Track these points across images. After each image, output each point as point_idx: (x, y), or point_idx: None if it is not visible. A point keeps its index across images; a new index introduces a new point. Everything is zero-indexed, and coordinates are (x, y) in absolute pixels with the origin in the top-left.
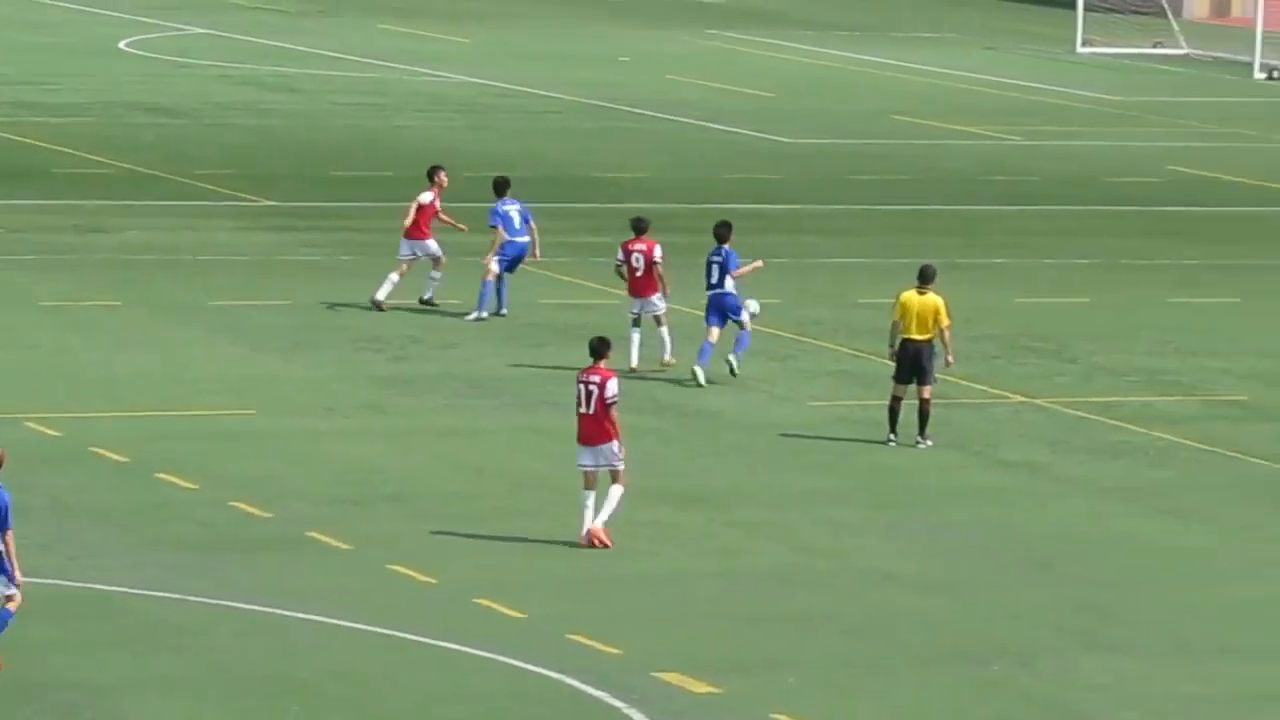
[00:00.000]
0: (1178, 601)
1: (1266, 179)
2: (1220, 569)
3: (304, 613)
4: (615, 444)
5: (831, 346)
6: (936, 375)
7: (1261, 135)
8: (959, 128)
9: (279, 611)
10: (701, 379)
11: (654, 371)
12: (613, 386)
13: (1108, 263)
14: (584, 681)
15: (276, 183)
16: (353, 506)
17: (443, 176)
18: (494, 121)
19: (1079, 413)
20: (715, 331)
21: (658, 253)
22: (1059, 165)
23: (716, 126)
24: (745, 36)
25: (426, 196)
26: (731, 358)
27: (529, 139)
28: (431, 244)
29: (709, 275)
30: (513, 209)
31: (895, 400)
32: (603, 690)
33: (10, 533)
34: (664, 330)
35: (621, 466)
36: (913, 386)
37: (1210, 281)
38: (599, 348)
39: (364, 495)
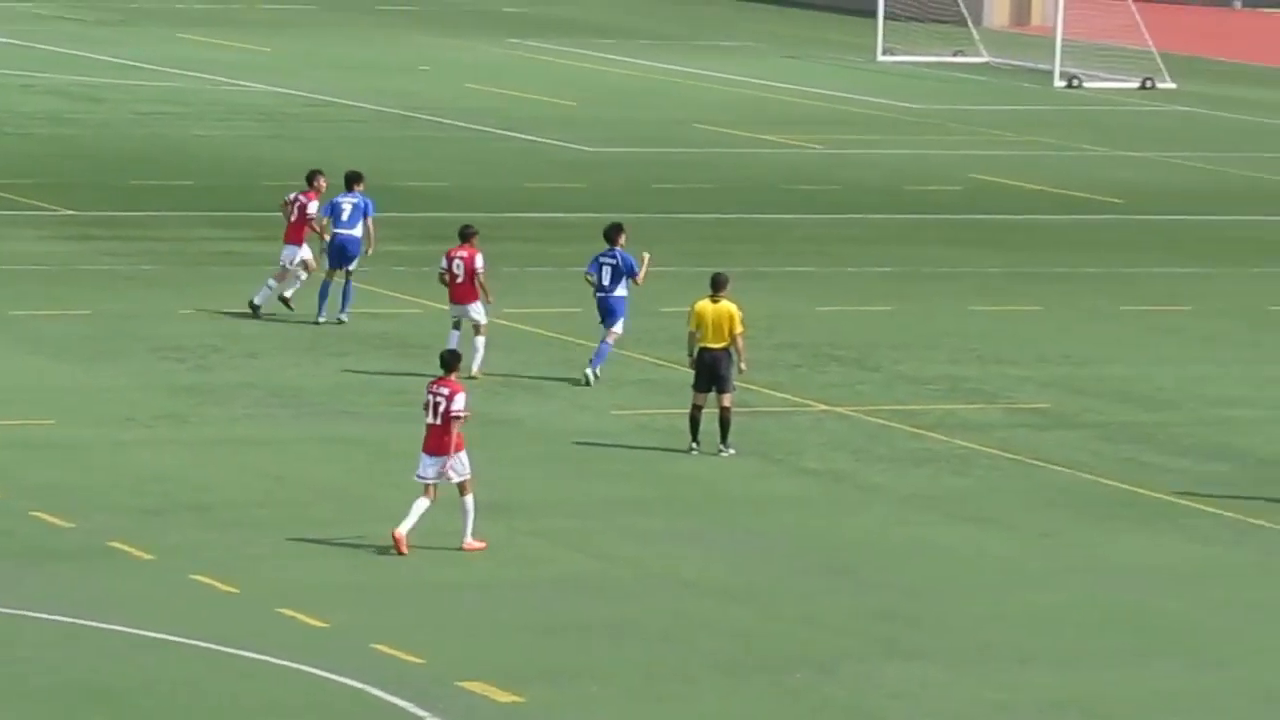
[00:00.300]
0: (979, 609)
1: (1067, 187)
2: (1021, 576)
3: (106, 623)
4: (463, 455)
5: (634, 355)
6: (736, 383)
7: (1061, 143)
8: (761, 136)
9: (81, 622)
10: (591, 380)
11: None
12: (460, 400)
13: (910, 271)
14: (388, 691)
15: (77, 192)
16: (154, 516)
17: (321, 181)
18: (295, 130)
19: (881, 421)
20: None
21: (479, 261)
22: (861, 173)
23: (518, 135)
24: (547, 45)
25: (313, 206)
26: (589, 370)
27: (330, 148)
28: (305, 249)
29: (600, 277)
30: (348, 202)
31: (695, 409)
32: (406, 700)
33: None
34: (480, 340)
35: (468, 476)
36: (714, 395)
37: (1012, 289)
38: (450, 360)
39: (165, 505)
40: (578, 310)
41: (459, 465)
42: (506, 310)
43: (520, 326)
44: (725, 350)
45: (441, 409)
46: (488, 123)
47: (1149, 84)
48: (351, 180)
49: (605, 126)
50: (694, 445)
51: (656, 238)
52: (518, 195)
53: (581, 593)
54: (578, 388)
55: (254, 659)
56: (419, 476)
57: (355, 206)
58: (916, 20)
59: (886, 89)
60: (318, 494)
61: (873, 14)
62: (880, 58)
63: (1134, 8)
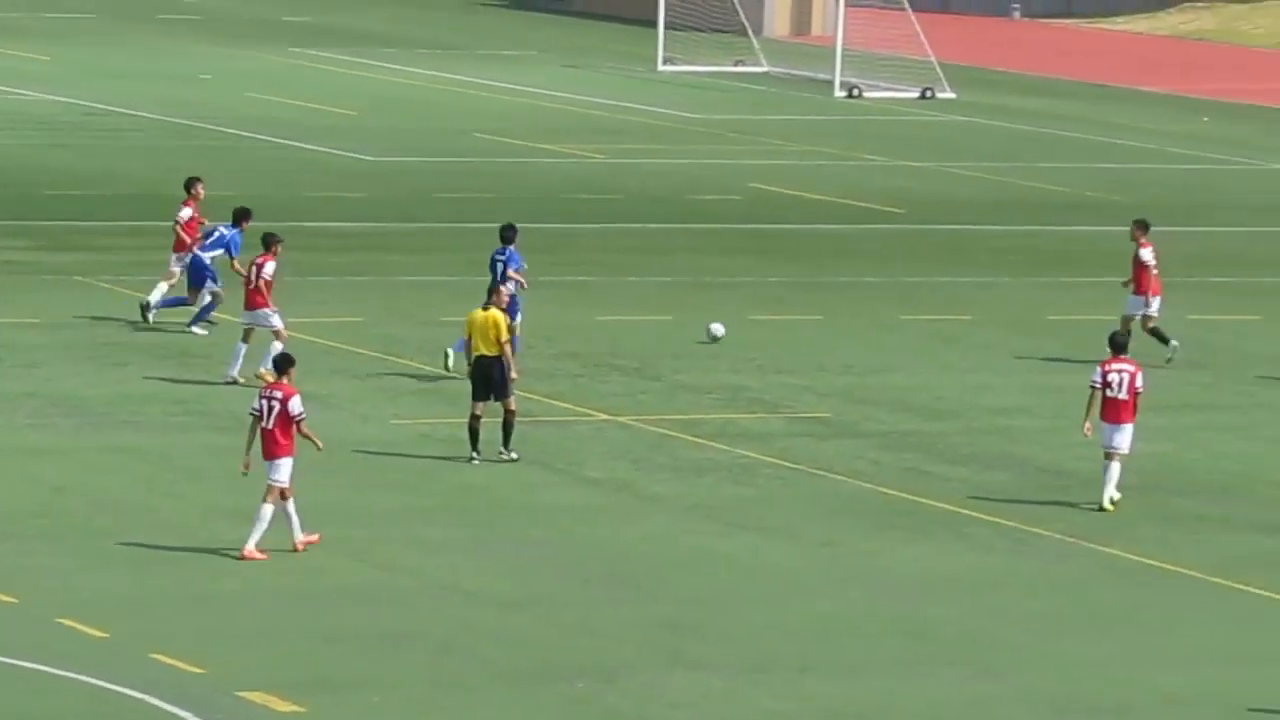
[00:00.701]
0: (760, 618)
1: (848, 196)
2: (802, 585)
3: None
4: (288, 460)
5: (415, 364)
6: (515, 390)
7: (842, 153)
8: (543, 145)
9: None
10: (449, 363)
11: (247, 383)
12: (296, 404)
13: (692, 280)
14: (168, 701)
15: None
16: None
17: (199, 189)
18: (75, 139)
19: (662, 430)
20: None
21: (269, 268)
22: (643, 183)
23: (299, 144)
24: (328, 55)
25: (185, 213)
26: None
27: (110, 157)
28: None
29: (494, 273)
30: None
31: (474, 418)
32: (186, 710)
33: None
34: (276, 345)
35: (284, 484)
36: (498, 402)
37: (792, 299)
38: (282, 364)
39: None
40: (359, 320)
41: (283, 471)
42: (287, 319)
43: (300, 336)
44: (497, 358)
45: (275, 412)
46: (269, 132)
47: (929, 94)
48: (240, 216)
49: (386, 136)
50: (474, 455)
51: (438, 246)
52: (298, 204)
53: (363, 602)
54: (358, 397)
55: (33, 669)
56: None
57: (221, 238)
58: (697, 30)
59: (667, 98)
60: (98, 504)
61: (653, 24)
62: (661, 67)
63: (914, 18)
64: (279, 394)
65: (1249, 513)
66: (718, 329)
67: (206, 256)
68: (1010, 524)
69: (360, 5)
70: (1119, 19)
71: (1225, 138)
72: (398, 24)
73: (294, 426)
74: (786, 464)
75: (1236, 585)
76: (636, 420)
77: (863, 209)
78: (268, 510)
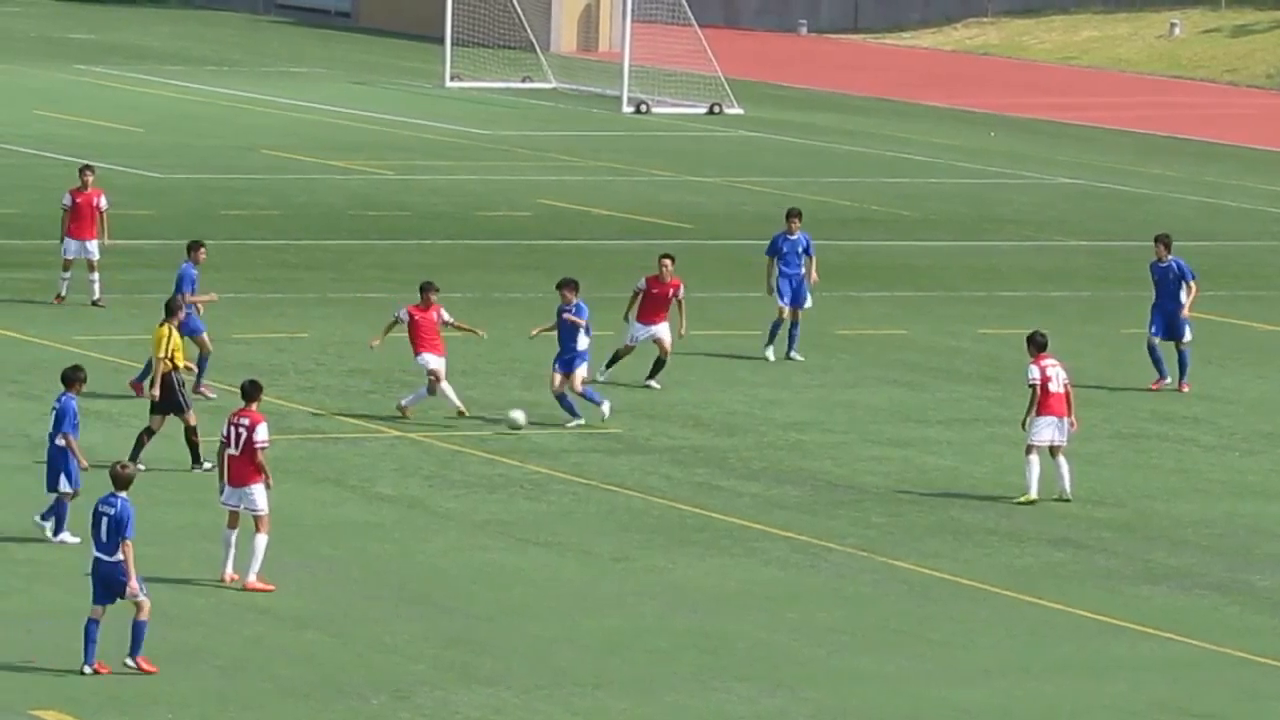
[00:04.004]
0: (553, 633)
1: (636, 212)
2: (595, 600)
3: None
4: (260, 487)
5: (203, 381)
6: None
7: (630, 168)
8: (330, 162)
9: None
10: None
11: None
12: (262, 431)
13: (481, 296)
14: None
15: None
16: None
17: (88, 176)
18: None
19: (454, 446)
20: None
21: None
22: (430, 199)
23: (84, 161)
24: (113, 72)
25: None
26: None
27: None
28: (92, 244)
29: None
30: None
31: (150, 432)
32: None
33: (130, 543)
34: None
35: (265, 512)
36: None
37: None
38: (250, 390)
39: None
40: (147, 337)
41: (258, 499)
42: (76, 337)
43: (90, 354)
44: (174, 372)
45: (243, 439)
46: (54, 149)
47: (716, 109)
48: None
49: (172, 152)
50: (204, 465)
51: (224, 263)
52: None
53: (154, 619)
54: (139, 415)
55: None
56: (223, 503)
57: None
58: (484, 46)
59: (455, 114)
60: None
61: (441, 40)
62: (448, 83)
63: (701, 33)
64: (246, 421)
65: (1038, 525)
66: (518, 417)
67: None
68: (802, 538)
69: (145, 22)
70: (905, 34)
71: (1011, 152)
72: (183, 41)
73: (257, 454)
74: (579, 479)
75: (1026, 598)
76: (428, 436)
77: (651, 224)
78: (261, 540)
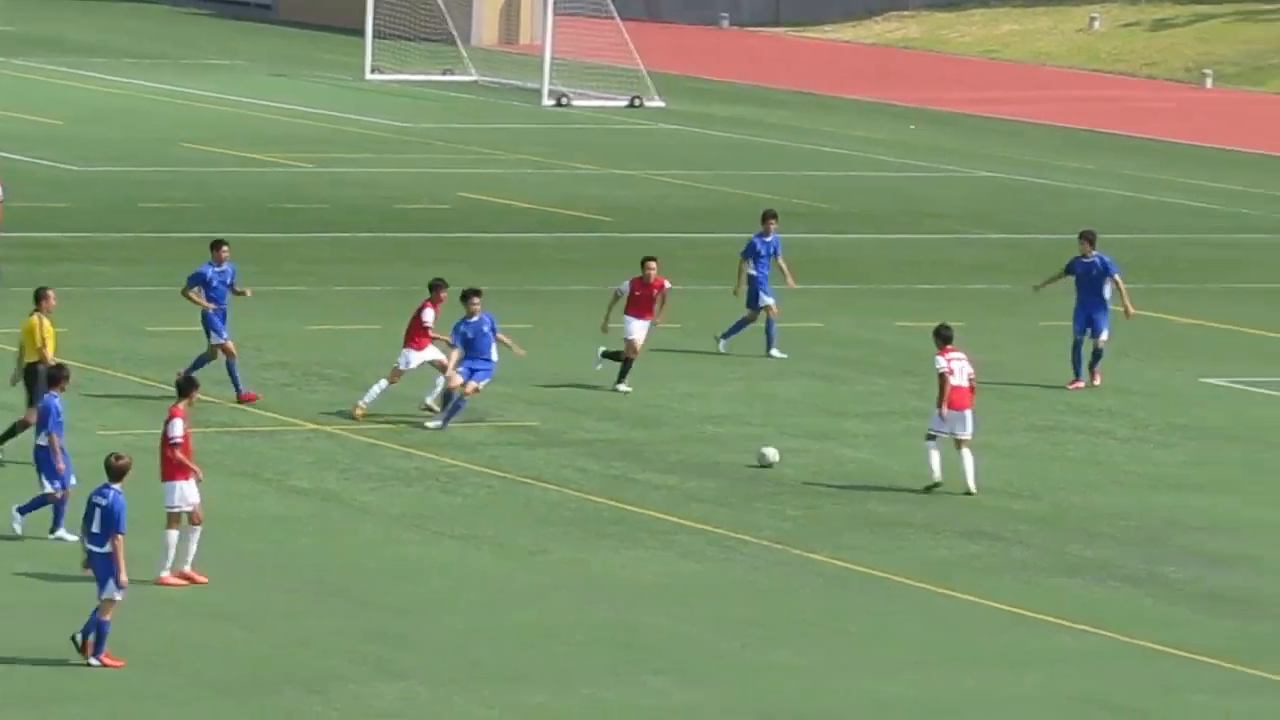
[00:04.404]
0: (469, 627)
1: (557, 205)
2: (510, 593)
3: None
4: (178, 484)
5: (120, 375)
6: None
7: (551, 161)
8: (251, 155)
9: None
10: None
11: None
12: (173, 427)
13: (400, 290)
14: None
15: None
16: None
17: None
18: None
19: (370, 440)
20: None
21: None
22: (351, 192)
23: (5, 155)
24: (34, 64)
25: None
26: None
27: None
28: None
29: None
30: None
31: (23, 424)
32: None
33: (121, 536)
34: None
35: (179, 508)
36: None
37: (502, 308)
38: (182, 386)
39: None
40: (64, 330)
41: (186, 494)
42: None
43: (3, 347)
44: (36, 364)
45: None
46: None
47: (637, 102)
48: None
49: (92, 145)
50: None
51: (146, 257)
52: (5, 215)
53: (66, 614)
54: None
55: None
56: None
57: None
58: (405, 39)
59: (376, 107)
60: None
61: (361, 32)
62: (369, 76)
63: (622, 26)
64: (166, 416)
65: (954, 518)
66: (771, 455)
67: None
68: (718, 531)
69: (65, 15)
70: (826, 27)
71: (931, 145)
72: (103, 33)
73: (169, 449)
74: (495, 473)
75: (942, 590)
76: (344, 430)
77: (572, 218)
78: (195, 532)
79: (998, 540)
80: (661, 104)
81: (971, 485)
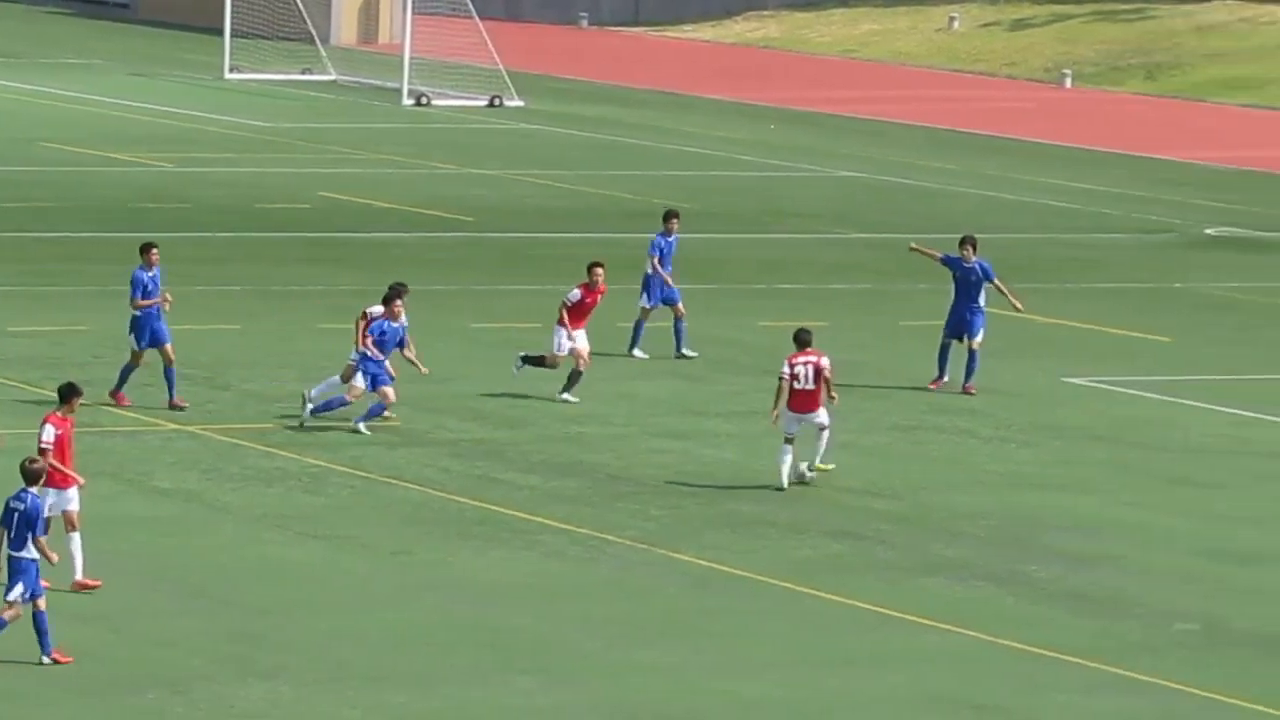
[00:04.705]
0: (332, 627)
1: (417, 204)
2: (374, 594)
3: None
4: (68, 491)
5: None
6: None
7: (412, 161)
8: (110, 154)
9: None
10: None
11: None
12: (43, 432)
13: (260, 289)
14: None
15: None
16: None
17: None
18: None
19: (233, 440)
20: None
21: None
22: (211, 192)
23: None
24: None
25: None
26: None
27: None
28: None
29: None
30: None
31: None
32: None
33: (42, 539)
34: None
35: (56, 513)
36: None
37: (348, 307)
38: (63, 393)
39: None
40: None
41: (59, 501)
42: None
43: None
44: None
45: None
46: None
47: (497, 101)
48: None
49: None
50: None
51: (5, 256)
52: None
53: None
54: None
55: None
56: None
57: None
58: (264, 38)
59: (235, 107)
60: None
61: (220, 32)
62: (228, 75)
63: (481, 26)
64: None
65: (817, 517)
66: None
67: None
68: (582, 531)
69: None
70: (686, 26)
71: (792, 145)
72: None
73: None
74: (358, 472)
75: (806, 589)
76: (206, 430)
77: (432, 217)
78: (75, 538)
79: (861, 540)
80: (521, 103)
81: (819, 461)
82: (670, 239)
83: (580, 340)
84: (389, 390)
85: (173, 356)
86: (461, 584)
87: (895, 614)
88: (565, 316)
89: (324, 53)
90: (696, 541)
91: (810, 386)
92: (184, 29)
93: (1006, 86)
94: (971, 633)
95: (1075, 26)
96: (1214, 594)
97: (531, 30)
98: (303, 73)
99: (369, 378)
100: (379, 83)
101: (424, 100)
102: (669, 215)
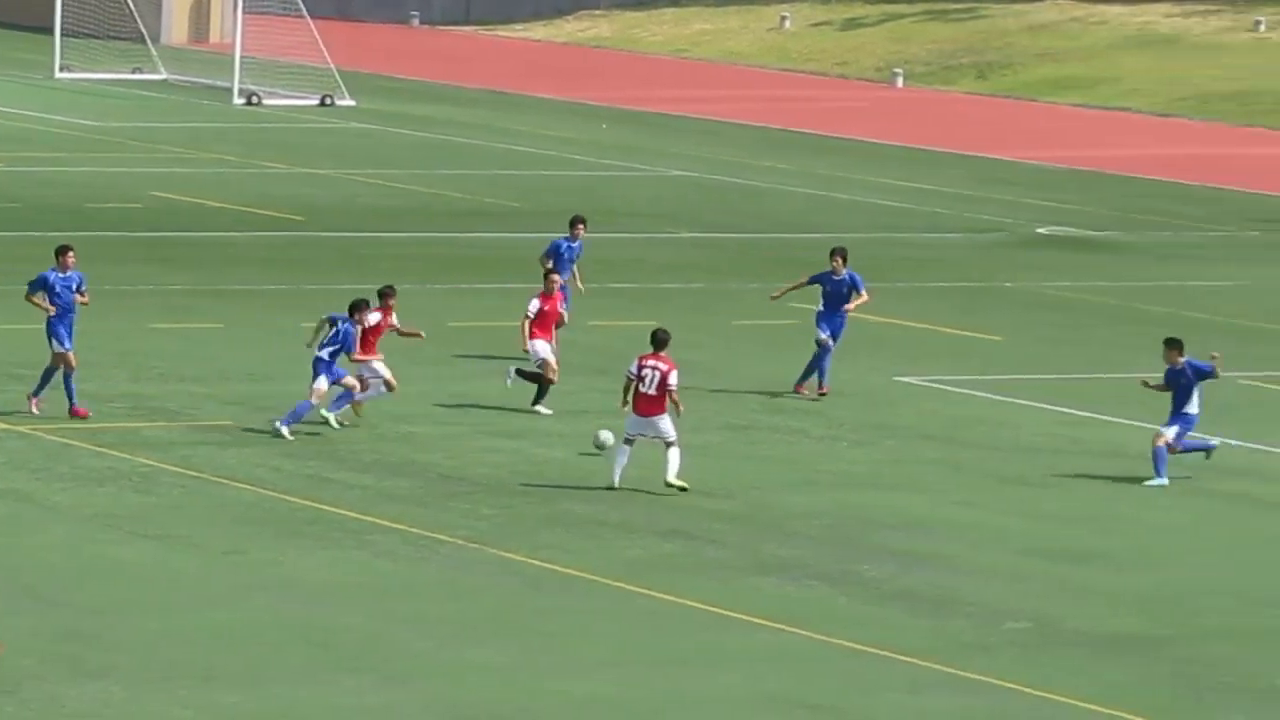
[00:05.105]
0: (163, 626)
1: (249, 204)
2: (205, 594)
3: None
4: None
5: None
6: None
7: (243, 160)
8: None
9: None
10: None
11: None
12: None
13: (92, 289)
14: None
15: None
16: None
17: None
18: None
19: (63, 439)
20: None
21: None
22: (42, 191)
23: None
24: None
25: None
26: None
27: None
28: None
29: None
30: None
31: None
32: None
33: None
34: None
35: None
36: None
37: (194, 307)
38: None
39: None
40: None
41: None
42: None
43: None
44: None
45: None
46: None
47: (328, 101)
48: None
49: None
50: None
51: None
52: None
53: None
54: None
55: None
56: None
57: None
58: (95, 37)
59: (66, 106)
60: None
61: (50, 30)
62: (58, 75)
63: (313, 25)
64: None
65: (649, 517)
66: (606, 437)
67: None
68: (414, 530)
69: None
70: (518, 26)
71: (623, 144)
72: None
73: None
74: (189, 472)
75: (638, 589)
76: (36, 429)
77: (264, 217)
78: None
79: (693, 539)
80: (352, 103)
81: (670, 477)
82: (575, 244)
83: (546, 350)
84: (350, 380)
85: (74, 363)
86: (293, 583)
87: (728, 613)
88: (530, 328)
89: (155, 52)
90: (528, 541)
91: (653, 392)
92: (13, 28)
93: (838, 86)
94: (804, 632)
95: (907, 26)
96: (1045, 593)
97: (363, 29)
98: (134, 72)
99: (332, 376)
100: (210, 82)
101: (255, 100)
102: (575, 221)
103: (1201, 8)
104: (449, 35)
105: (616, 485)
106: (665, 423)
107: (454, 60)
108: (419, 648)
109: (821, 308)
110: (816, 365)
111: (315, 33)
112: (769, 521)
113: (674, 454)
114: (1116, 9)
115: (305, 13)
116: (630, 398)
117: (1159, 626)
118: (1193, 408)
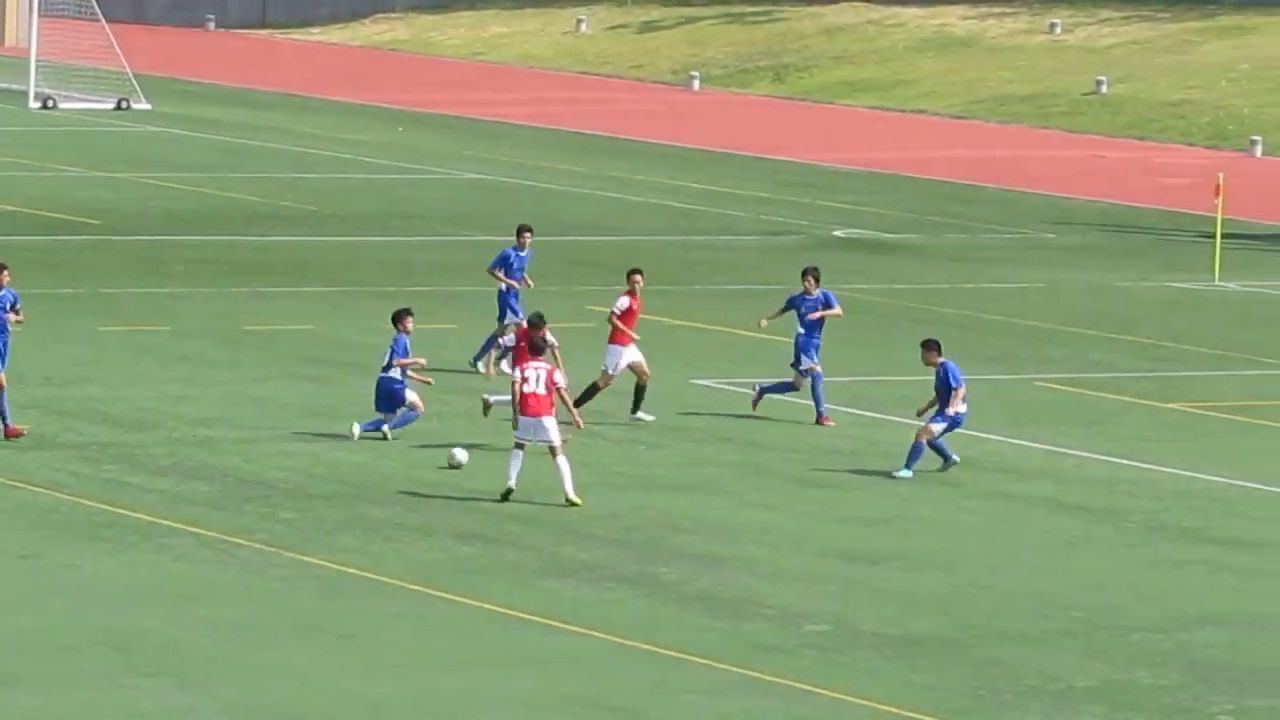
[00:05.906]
0: None
1: (43, 207)
2: (2, 598)
3: None
4: None
5: None
6: None
7: (37, 164)
8: None
9: None
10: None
11: None
12: None
13: None
14: None
15: None
16: None
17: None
18: None
19: None
20: None
21: None
22: None
23: None
24: None
25: None
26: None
27: None
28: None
29: None
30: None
31: None
32: None
33: None
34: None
35: None
36: None
37: None
38: None
39: None
40: None
41: None
42: None
43: None
44: None
45: None
46: None
47: (124, 104)
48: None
49: None
50: None
51: None
52: None
53: None
54: None
55: None
56: None
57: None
58: None
59: None
60: None
61: None
62: None
63: (108, 28)
64: None
65: (446, 520)
66: (461, 456)
67: None
68: (211, 534)
69: None
70: (314, 29)
71: (419, 147)
72: None
73: None
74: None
75: (436, 592)
76: None
77: (58, 220)
78: None
79: (490, 542)
80: (148, 106)
81: (569, 493)
82: (524, 254)
83: (634, 353)
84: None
85: (3, 383)
86: (90, 587)
87: (525, 616)
88: (619, 330)
89: None
90: (326, 544)
91: (541, 391)
92: None
93: (634, 89)
94: (603, 634)
95: (704, 29)
96: (844, 595)
97: (159, 33)
98: None
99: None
100: (5, 85)
101: (50, 103)
102: (521, 230)
103: (998, 10)
104: (245, 39)
105: (512, 488)
106: (552, 424)
107: (250, 64)
108: (218, 651)
109: (801, 330)
110: (813, 395)
111: (111, 36)
112: (566, 524)
113: (564, 465)
114: (913, 11)
115: (101, 16)
116: (517, 403)
117: (958, 628)
118: (960, 407)
